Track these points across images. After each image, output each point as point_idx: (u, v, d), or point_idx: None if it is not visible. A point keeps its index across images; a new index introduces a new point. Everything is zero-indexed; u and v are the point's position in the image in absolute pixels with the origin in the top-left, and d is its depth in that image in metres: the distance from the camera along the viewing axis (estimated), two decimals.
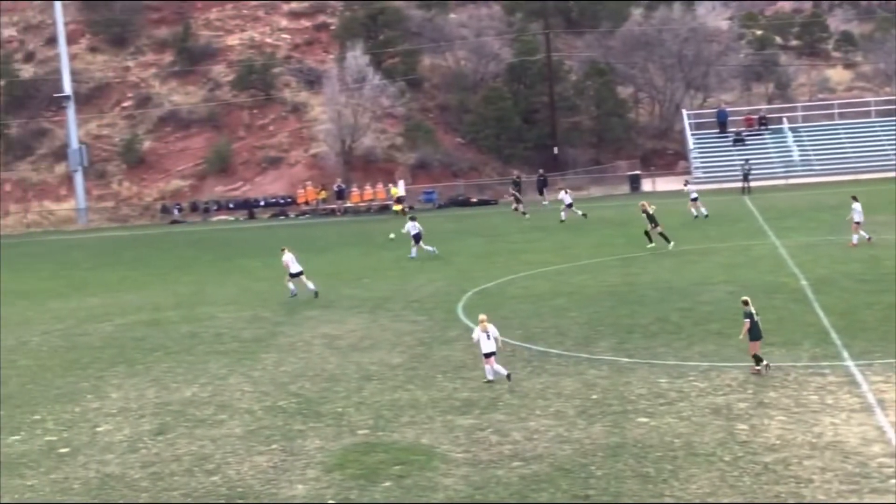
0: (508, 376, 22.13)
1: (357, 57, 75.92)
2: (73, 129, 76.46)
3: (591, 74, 79.56)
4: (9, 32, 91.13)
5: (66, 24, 79.56)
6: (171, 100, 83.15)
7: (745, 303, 22.11)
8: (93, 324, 33.18)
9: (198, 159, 79.06)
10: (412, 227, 43.77)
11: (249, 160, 78.43)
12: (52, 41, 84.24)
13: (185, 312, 34.09)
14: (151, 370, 25.76)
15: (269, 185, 76.00)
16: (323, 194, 72.24)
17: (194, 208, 75.17)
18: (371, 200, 72.21)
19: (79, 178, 75.93)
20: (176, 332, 30.75)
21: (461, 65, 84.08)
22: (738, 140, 73.92)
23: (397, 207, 66.41)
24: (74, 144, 75.97)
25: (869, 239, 38.36)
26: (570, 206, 53.54)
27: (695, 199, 51.31)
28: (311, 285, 35.30)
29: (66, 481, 17.88)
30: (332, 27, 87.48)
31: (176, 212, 74.48)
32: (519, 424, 19.38)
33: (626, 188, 71.41)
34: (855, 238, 38.27)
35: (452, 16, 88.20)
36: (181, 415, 21.45)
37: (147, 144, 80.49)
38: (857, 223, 38.45)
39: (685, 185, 55.00)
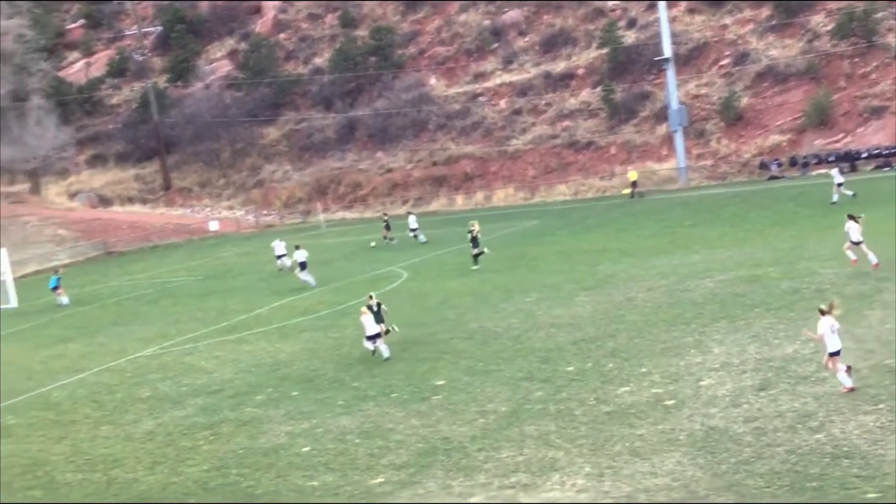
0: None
1: None
2: (673, 90, 78.37)
3: None
4: (613, 2, 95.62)
5: None
6: (768, 55, 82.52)
7: (370, 297, 28.96)
8: (694, 280, 34.02)
9: (796, 113, 77.81)
10: (299, 254, 44.70)
11: (850, 111, 75.79)
12: (652, 6, 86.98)
13: (785, 268, 33.87)
14: (752, 326, 25.97)
15: (872, 136, 72.97)
16: None
17: (793, 163, 74.12)
18: None
19: (679, 138, 77.79)
20: (776, 288, 30.68)
21: None
22: None
23: (626, 191, 67.79)
24: (675, 105, 77.87)
25: None
26: None
27: (840, 185, 50.06)
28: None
29: (672, 432, 18.65)
30: None
31: (774, 167, 73.88)
32: None
33: None
34: None
35: None
36: (783, 371, 21.47)
37: (745, 101, 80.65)
38: None
39: (833, 168, 53.89)
